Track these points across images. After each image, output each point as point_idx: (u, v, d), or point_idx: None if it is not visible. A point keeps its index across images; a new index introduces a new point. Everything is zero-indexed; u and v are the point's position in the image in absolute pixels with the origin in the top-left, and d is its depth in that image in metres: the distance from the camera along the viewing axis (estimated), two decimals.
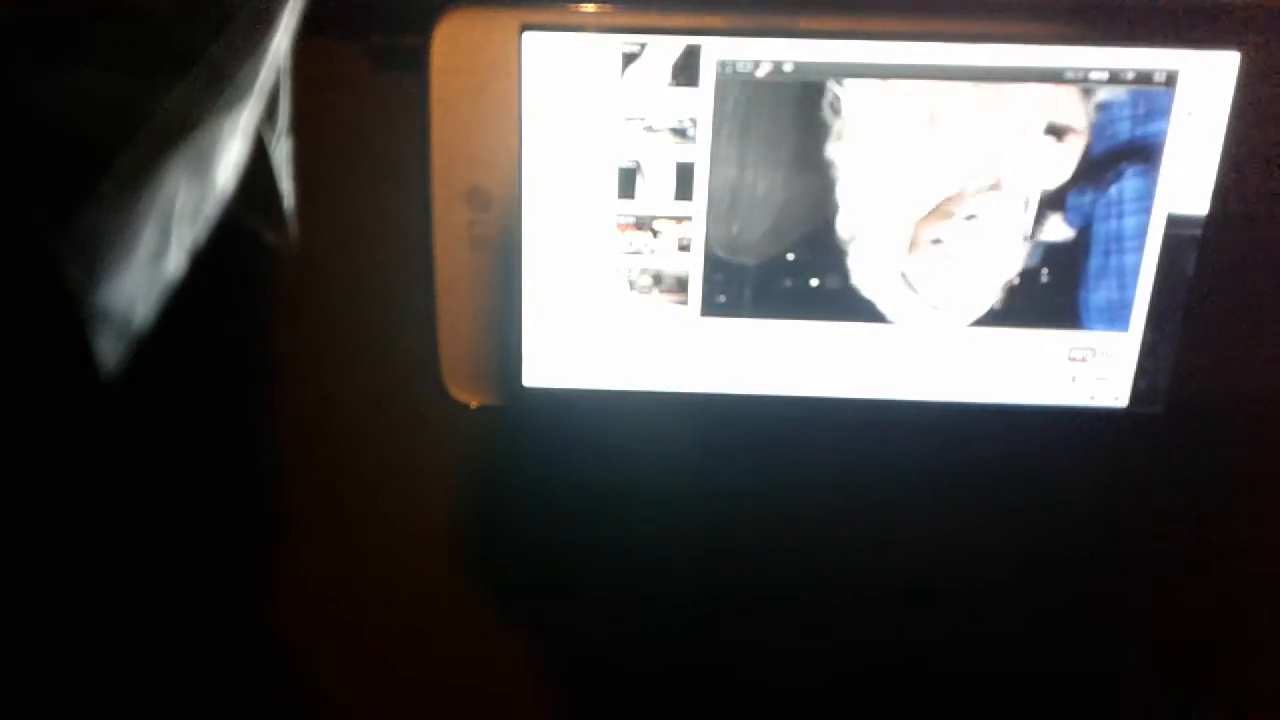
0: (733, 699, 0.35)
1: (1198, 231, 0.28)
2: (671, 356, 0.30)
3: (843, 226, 0.29)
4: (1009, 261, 0.29)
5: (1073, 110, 0.28)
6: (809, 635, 0.34)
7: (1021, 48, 0.27)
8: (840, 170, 0.28)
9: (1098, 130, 0.28)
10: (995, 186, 0.28)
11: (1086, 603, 0.33)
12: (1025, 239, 0.29)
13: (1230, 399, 0.31)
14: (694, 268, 0.29)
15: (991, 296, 0.29)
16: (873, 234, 0.29)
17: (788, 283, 0.29)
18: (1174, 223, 0.29)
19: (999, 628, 0.34)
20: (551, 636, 0.34)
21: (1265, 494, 0.32)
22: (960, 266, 0.29)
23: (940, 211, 0.29)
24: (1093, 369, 0.30)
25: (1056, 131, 0.28)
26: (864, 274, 0.29)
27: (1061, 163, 0.28)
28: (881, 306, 0.29)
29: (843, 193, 0.28)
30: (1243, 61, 0.27)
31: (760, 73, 0.28)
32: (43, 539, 0.32)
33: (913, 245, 0.29)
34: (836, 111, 0.28)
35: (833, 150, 0.28)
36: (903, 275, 0.29)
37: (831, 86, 0.28)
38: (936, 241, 0.29)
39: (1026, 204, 0.28)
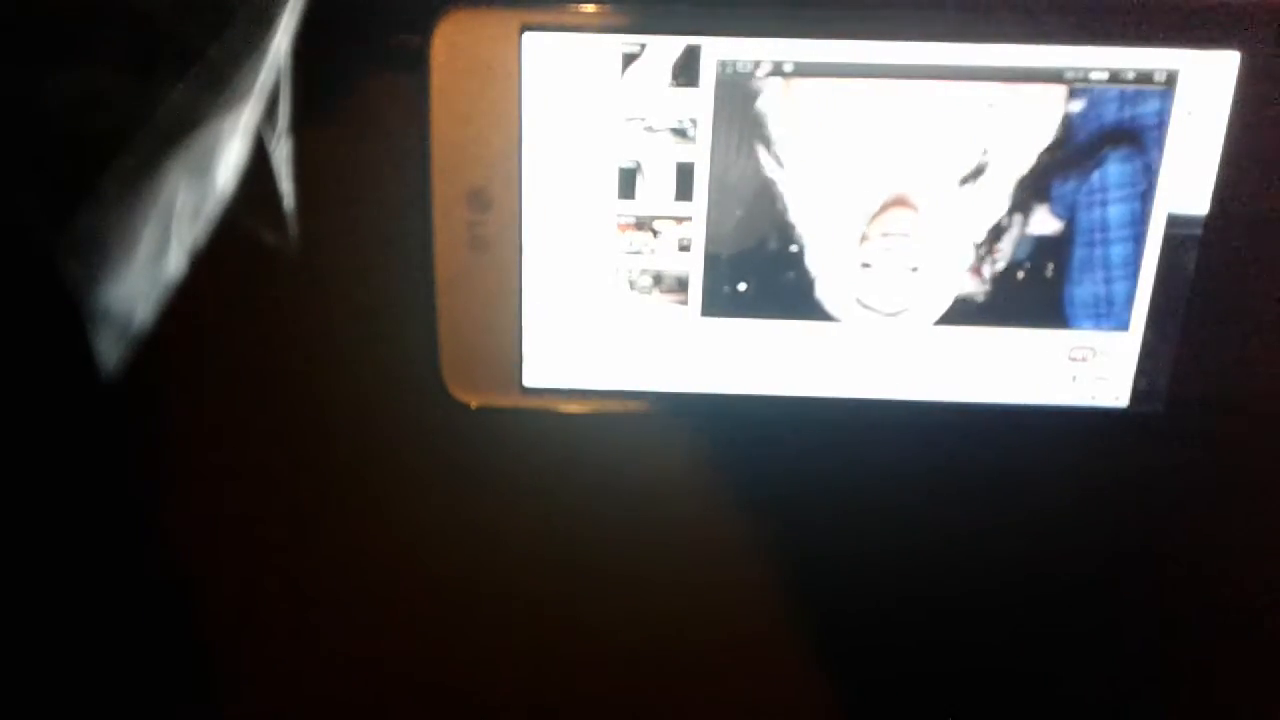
0: (731, 698, 0.35)
1: (1198, 231, 0.28)
2: (671, 356, 0.30)
3: (838, 226, 0.29)
4: (1011, 262, 0.29)
5: (1065, 106, 0.28)
6: (806, 635, 0.34)
7: (1021, 47, 0.27)
8: (837, 169, 0.28)
9: (1091, 126, 0.28)
10: (993, 186, 0.28)
11: (1085, 603, 0.33)
12: (1027, 239, 0.29)
13: (1230, 399, 0.31)
14: (694, 268, 0.29)
15: (997, 297, 0.29)
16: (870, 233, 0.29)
17: (787, 283, 0.29)
18: (1174, 223, 0.29)
19: (998, 627, 0.34)
20: (550, 636, 0.34)
21: (1265, 494, 0.32)
22: (956, 266, 0.29)
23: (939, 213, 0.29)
24: (1093, 369, 0.30)
25: (1049, 128, 0.28)
26: (864, 273, 0.29)
27: (1058, 162, 0.28)
28: (881, 307, 0.29)
29: (840, 192, 0.28)
30: (1243, 61, 0.27)
31: (760, 73, 0.28)
32: (42, 540, 0.32)
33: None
34: (830, 110, 0.28)
35: (829, 149, 0.28)
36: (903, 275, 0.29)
37: (827, 86, 0.28)
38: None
39: (1028, 203, 0.28)
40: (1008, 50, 0.27)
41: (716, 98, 0.28)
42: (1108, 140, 0.28)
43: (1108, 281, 0.29)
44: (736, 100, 0.28)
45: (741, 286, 0.29)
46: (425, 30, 0.28)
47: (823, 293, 0.29)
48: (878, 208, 0.29)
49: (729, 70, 0.28)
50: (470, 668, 0.35)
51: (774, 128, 0.28)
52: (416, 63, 0.28)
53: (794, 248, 0.29)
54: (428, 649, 0.35)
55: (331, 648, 0.34)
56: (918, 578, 0.33)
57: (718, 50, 0.27)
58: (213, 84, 0.26)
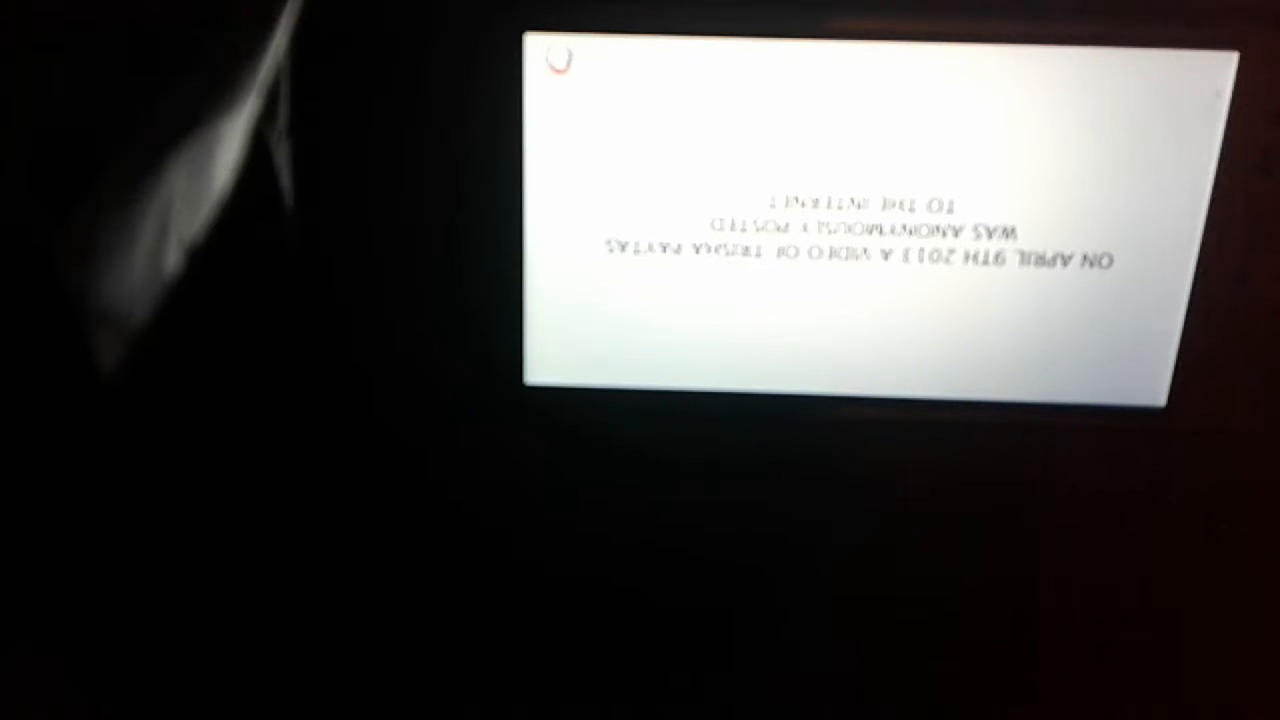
0: (732, 697, 0.35)
1: (1198, 231, 0.28)
2: (672, 356, 0.30)
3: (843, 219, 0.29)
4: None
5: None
6: (811, 636, 0.34)
7: (1021, 48, 0.27)
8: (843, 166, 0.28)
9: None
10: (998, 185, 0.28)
11: (1085, 603, 0.33)
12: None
13: (1230, 399, 0.31)
14: None
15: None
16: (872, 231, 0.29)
17: (788, 279, 0.29)
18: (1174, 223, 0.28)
19: (998, 627, 0.34)
20: (552, 635, 0.34)
21: (1265, 495, 0.32)
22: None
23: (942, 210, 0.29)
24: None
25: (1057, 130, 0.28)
26: (866, 270, 0.29)
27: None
28: (883, 306, 0.30)
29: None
30: (1242, 61, 0.27)
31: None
32: (42, 540, 0.32)
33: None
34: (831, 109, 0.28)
35: (833, 146, 0.28)
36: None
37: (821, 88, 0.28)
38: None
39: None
40: (1007, 51, 0.27)
41: (712, 97, 0.28)
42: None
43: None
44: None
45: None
46: (426, 30, 0.28)
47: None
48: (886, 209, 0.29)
49: (727, 69, 0.28)
50: (469, 665, 0.35)
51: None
52: (418, 63, 0.28)
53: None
54: (426, 647, 0.34)
55: (329, 647, 0.34)
56: (917, 575, 0.33)
57: (717, 50, 0.27)
58: (213, 84, 0.26)
